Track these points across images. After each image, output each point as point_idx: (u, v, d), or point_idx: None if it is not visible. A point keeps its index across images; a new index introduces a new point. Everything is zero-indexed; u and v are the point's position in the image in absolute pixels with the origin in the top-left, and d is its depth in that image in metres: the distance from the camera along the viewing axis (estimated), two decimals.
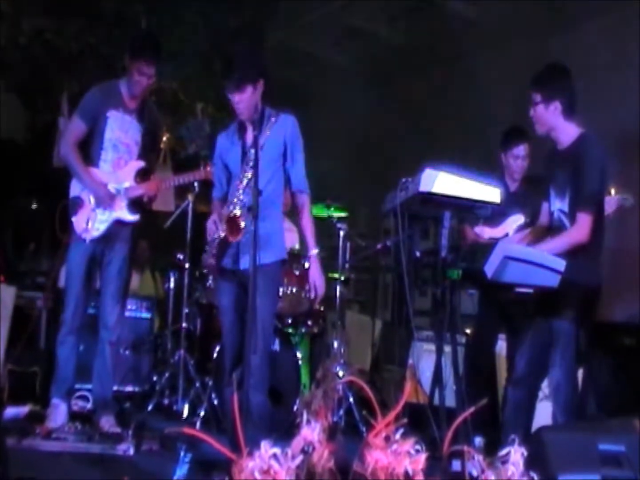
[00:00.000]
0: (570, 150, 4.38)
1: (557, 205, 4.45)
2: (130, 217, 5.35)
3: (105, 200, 5.25)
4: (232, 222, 4.24)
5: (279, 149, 4.46)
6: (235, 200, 4.36)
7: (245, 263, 4.29)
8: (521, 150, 5.70)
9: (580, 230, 4.26)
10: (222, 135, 4.62)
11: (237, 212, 4.24)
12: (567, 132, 4.42)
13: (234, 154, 4.48)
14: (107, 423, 5.29)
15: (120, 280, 5.40)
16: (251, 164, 4.31)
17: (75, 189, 5.35)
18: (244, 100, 4.33)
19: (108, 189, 5.27)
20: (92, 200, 5.28)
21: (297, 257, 6.01)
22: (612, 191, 5.17)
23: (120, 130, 5.33)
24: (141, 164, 5.39)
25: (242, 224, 4.19)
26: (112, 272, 5.37)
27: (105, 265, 5.38)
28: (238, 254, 4.38)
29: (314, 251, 4.50)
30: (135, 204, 5.37)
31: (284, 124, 4.47)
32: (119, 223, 5.33)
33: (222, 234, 4.30)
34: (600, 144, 4.37)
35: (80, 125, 5.33)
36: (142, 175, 5.42)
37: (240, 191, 4.36)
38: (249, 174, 4.33)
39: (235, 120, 4.51)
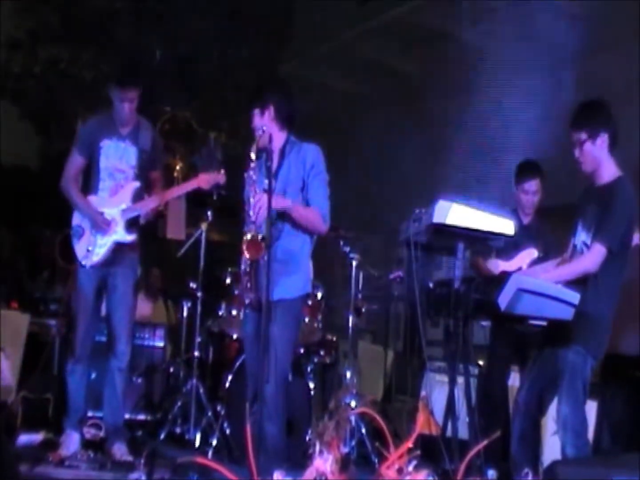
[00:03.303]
0: (605, 189, 4.36)
1: (582, 237, 4.44)
2: (128, 237, 5.38)
3: (102, 226, 5.31)
4: (251, 243, 4.29)
5: (299, 176, 4.54)
6: (249, 222, 4.40)
7: (275, 294, 4.31)
8: (532, 185, 5.70)
9: (591, 258, 4.25)
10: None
11: (253, 233, 4.31)
12: (608, 169, 4.39)
13: (258, 179, 4.53)
14: (119, 451, 5.30)
15: (125, 306, 5.42)
16: (258, 189, 4.39)
17: (76, 219, 5.44)
18: (255, 124, 4.53)
19: (104, 217, 5.34)
20: (90, 226, 5.35)
21: None
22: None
23: (115, 158, 5.42)
24: (137, 184, 5.44)
25: (259, 237, 4.26)
26: (117, 298, 5.40)
27: (110, 292, 5.41)
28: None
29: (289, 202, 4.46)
30: (132, 225, 5.40)
31: (305, 153, 4.55)
32: (118, 245, 5.37)
33: (247, 258, 4.35)
34: (633, 190, 4.35)
35: (78, 158, 5.48)
36: (140, 195, 5.46)
37: (251, 212, 4.40)
38: (258, 196, 4.39)
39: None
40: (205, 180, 5.50)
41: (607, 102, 4.48)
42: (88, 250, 5.33)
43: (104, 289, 5.41)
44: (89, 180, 5.47)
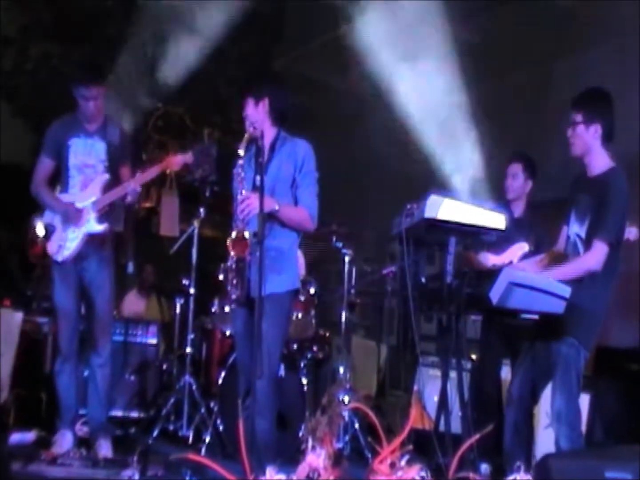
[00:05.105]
0: (599, 179, 4.35)
1: (575, 229, 4.43)
2: (98, 227, 5.36)
3: (73, 216, 5.31)
4: (236, 241, 4.33)
5: (289, 173, 4.52)
6: (237, 219, 4.41)
7: (264, 289, 4.28)
8: (512, 168, 5.73)
9: (594, 257, 4.23)
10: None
11: (238, 231, 4.34)
12: (600, 159, 4.38)
13: (247, 175, 4.52)
14: (101, 447, 5.30)
15: (102, 301, 5.42)
16: (247, 186, 4.42)
17: (47, 218, 5.44)
18: (248, 114, 4.53)
19: (75, 206, 5.34)
20: (61, 221, 5.35)
21: (302, 283, 6.01)
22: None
23: (83, 154, 5.42)
24: (106, 177, 5.42)
25: (247, 235, 4.29)
26: (94, 294, 5.41)
27: (87, 288, 5.42)
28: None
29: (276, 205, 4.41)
30: (103, 215, 5.39)
31: (296, 149, 4.54)
32: (89, 237, 5.35)
33: (233, 255, 4.36)
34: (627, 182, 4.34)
35: (46, 161, 5.48)
36: (110, 188, 5.43)
37: (239, 209, 4.41)
38: (245, 192, 4.40)
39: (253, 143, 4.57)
40: (173, 162, 5.47)
41: (611, 95, 4.46)
42: (60, 246, 5.34)
43: (80, 287, 5.41)
44: (60, 180, 5.48)
